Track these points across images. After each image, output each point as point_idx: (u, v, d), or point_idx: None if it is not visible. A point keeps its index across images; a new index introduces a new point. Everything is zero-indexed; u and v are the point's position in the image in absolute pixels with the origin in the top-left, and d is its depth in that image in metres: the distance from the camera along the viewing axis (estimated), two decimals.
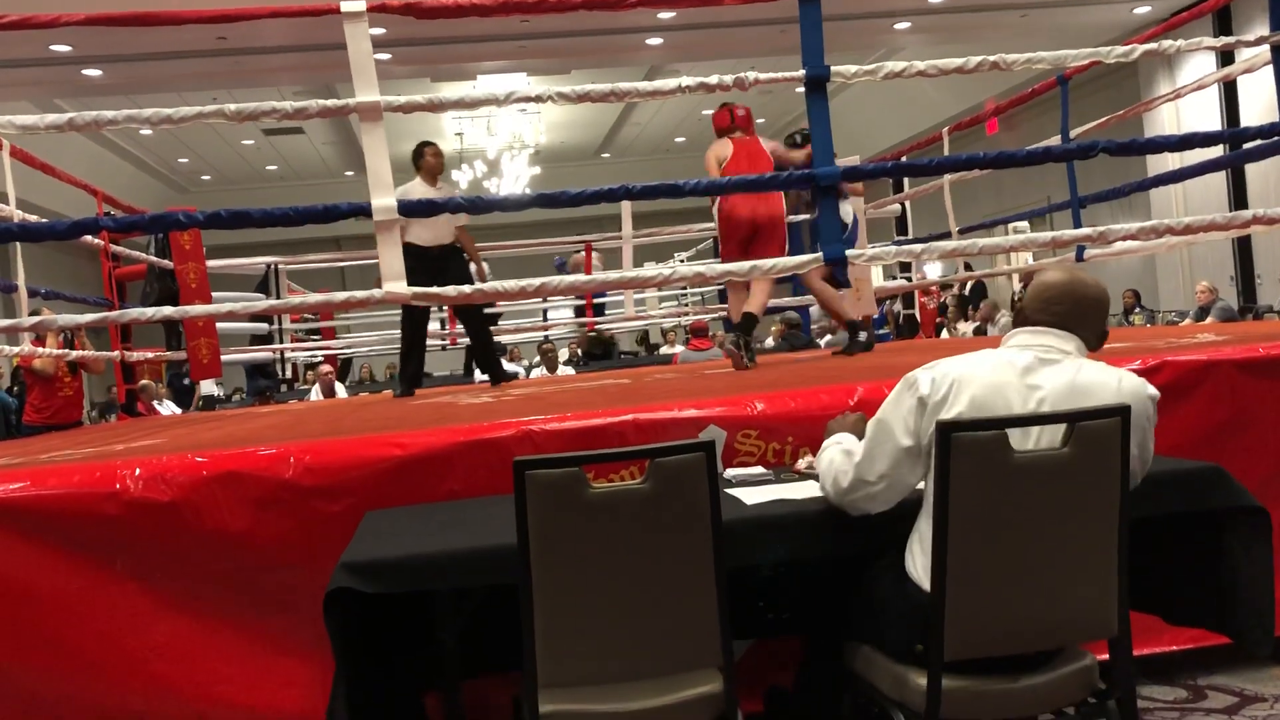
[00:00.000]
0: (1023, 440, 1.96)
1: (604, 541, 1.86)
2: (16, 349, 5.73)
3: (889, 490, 2.08)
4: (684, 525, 1.88)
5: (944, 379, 2.02)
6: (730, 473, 2.64)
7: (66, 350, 6.39)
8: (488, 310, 10.85)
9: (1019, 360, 2.06)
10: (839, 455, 2.17)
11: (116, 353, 6.69)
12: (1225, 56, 10.61)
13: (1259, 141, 4.58)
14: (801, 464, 2.68)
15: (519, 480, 1.82)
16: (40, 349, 6.01)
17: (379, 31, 9.90)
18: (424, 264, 5.49)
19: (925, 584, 1.96)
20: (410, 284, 5.20)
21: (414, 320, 5.93)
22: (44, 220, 4.62)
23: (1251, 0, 7.91)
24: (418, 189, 5.82)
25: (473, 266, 6.14)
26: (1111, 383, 2.05)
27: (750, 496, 2.32)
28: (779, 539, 2.17)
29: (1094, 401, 2.00)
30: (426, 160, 5.97)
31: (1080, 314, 2.13)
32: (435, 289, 3.85)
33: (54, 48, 10.37)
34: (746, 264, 4.07)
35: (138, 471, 2.60)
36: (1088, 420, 1.93)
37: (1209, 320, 9.83)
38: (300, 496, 2.63)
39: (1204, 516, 2.28)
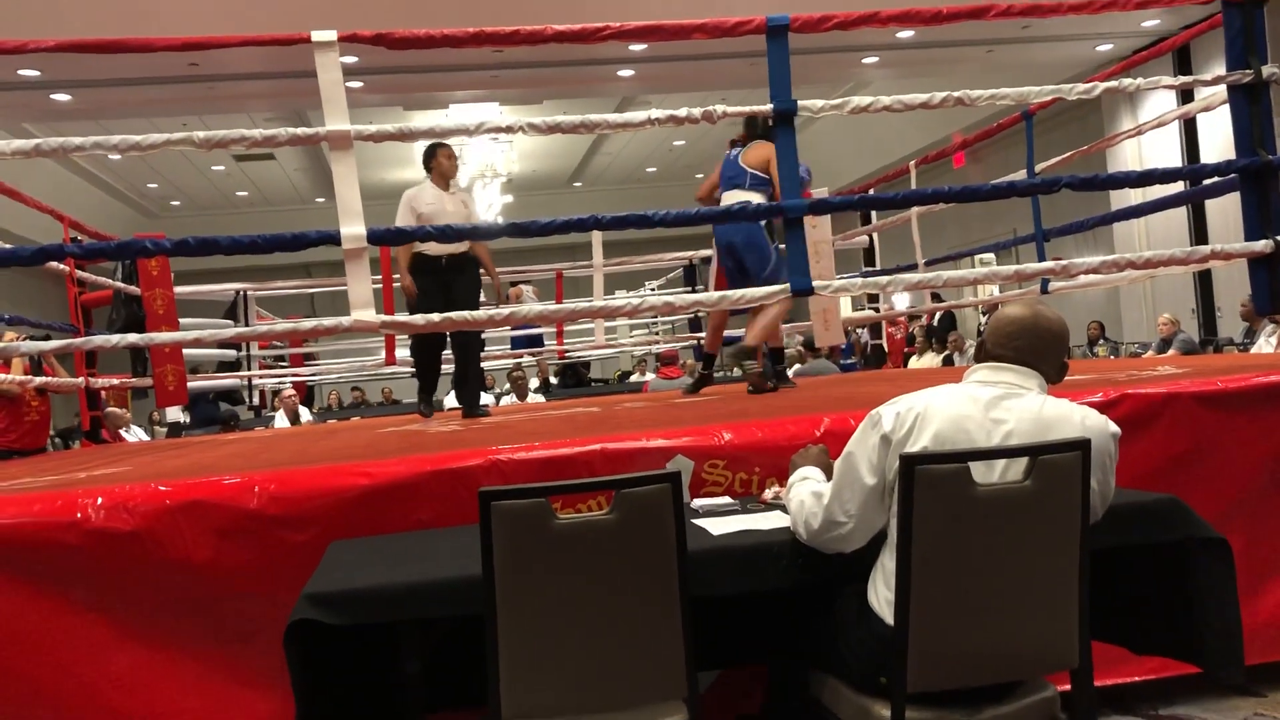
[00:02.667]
0: (986, 474, 1.98)
1: (570, 572, 1.86)
2: None
3: (859, 529, 2.09)
4: (650, 556, 1.88)
5: (908, 414, 2.04)
6: (697, 503, 2.65)
7: (32, 377, 6.31)
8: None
9: (982, 395, 2.09)
10: (809, 497, 2.17)
11: (81, 379, 6.62)
12: (1186, 94, 10.83)
13: (1217, 178, 4.67)
14: (768, 494, 2.69)
15: (484, 511, 1.82)
16: (4, 375, 5.94)
17: (350, 60, 9.93)
18: (434, 276, 5.36)
19: (887, 617, 1.98)
20: (420, 295, 5.28)
21: (424, 340, 5.69)
22: (9, 245, 4.57)
23: (1210, 40, 8.10)
24: (430, 191, 5.54)
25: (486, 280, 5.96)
26: (1075, 419, 2.08)
27: (716, 527, 2.33)
28: (745, 570, 2.18)
29: (1057, 436, 2.02)
30: (439, 162, 5.60)
31: (1041, 349, 2.16)
32: (403, 318, 3.85)
33: (22, 72, 10.31)
34: (715, 294, 4.10)
35: (99, 500, 2.58)
36: (1049, 454, 1.95)
37: (1171, 352, 9.96)
38: (265, 526, 2.61)
39: (1169, 547, 2.31)
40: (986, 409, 2.06)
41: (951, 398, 2.08)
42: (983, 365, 2.18)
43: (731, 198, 5.11)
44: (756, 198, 5.05)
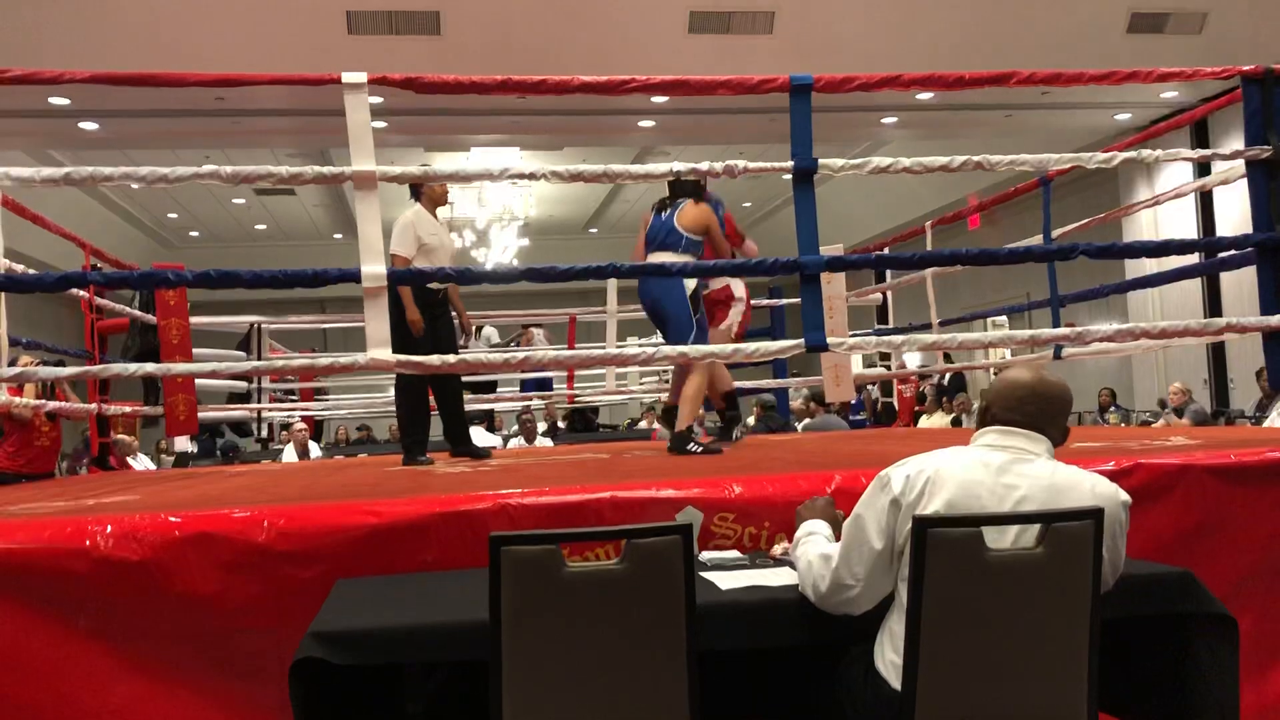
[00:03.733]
0: (999, 539, 1.98)
1: (577, 620, 1.86)
2: None
3: (867, 593, 2.08)
4: (658, 607, 1.88)
5: (918, 478, 2.04)
6: (705, 555, 2.64)
7: (45, 401, 6.33)
8: (485, 379, 10.82)
9: (993, 460, 2.09)
10: (816, 559, 2.15)
11: (94, 405, 6.64)
12: (1202, 167, 10.90)
13: (1233, 251, 4.69)
14: (777, 550, 2.68)
15: (494, 556, 1.82)
16: (17, 398, 5.96)
17: (376, 100, 10.08)
18: (426, 310, 5.13)
19: (894, 681, 1.96)
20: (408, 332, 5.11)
21: (413, 381, 5.40)
22: (30, 271, 4.63)
23: (1227, 115, 8.18)
24: (428, 219, 5.33)
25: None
26: (1086, 486, 2.08)
27: (725, 581, 2.32)
28: (752, 626, 2.16)
29: (1069, 503, 2.02)
30: (431, 187, 5.38)
31: (1050, 413, 2.17)
32: (419, 358, 3.87)
33: (52, 100, 10.47)
34: (730, 346, 4.11)
35: (109, 529, 2.58)
36: (1062, 521, 1.95)
37: (1183, 420, 9.93)
38: (272, 561, 2.60)
39: (1173, 620, 2.29)
40: (998, 474, 2.06)
41: (963, 461, 2.08)
42: (991, 429, 2.18)
43: (659, 259, 4.91)
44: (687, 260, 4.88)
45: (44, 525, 2.62)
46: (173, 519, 2.63)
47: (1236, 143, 4.26)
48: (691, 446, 4.86)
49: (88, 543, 2.55)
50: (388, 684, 2.27)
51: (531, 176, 3.76)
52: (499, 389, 11.51)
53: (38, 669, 2.49)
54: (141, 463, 9.88)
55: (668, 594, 1.88)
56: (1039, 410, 2.15)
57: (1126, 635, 2.33)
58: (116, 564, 2.54)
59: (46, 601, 2.52)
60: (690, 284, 4.97)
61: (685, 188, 5.09)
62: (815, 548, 2.20)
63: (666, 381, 13.52)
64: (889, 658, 2.01)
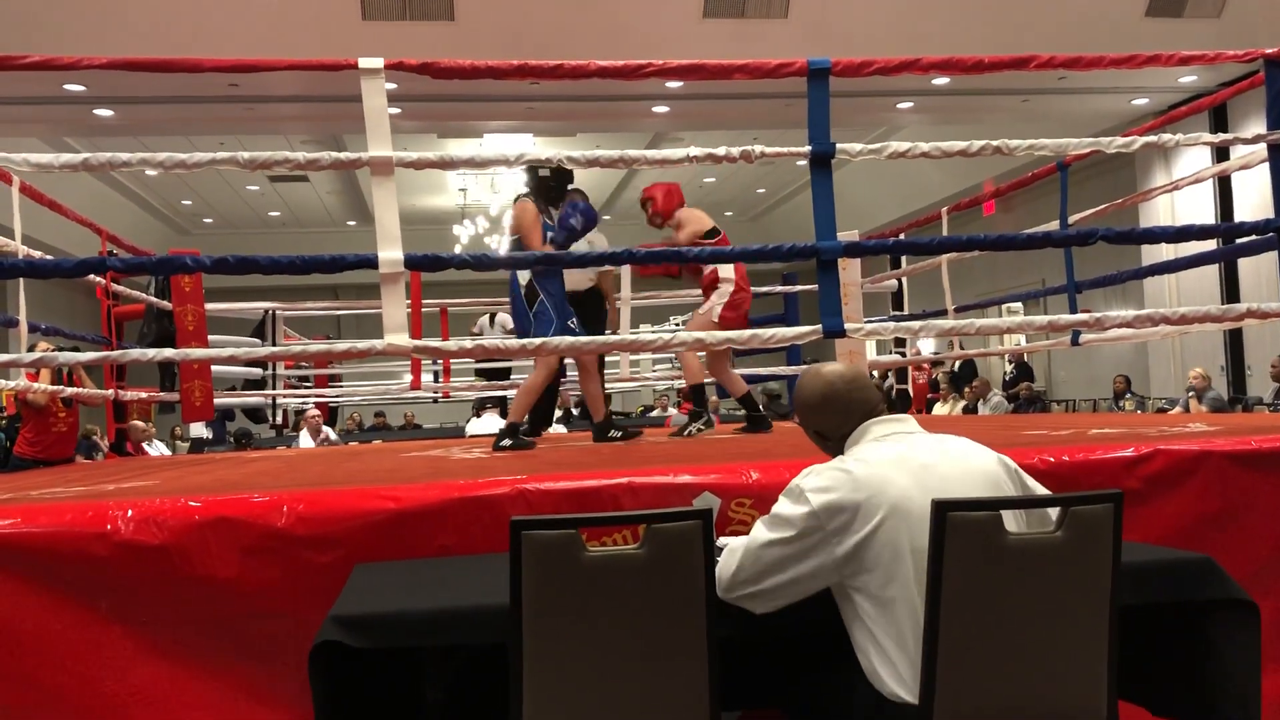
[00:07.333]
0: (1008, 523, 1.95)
1: (597, 605, 1.86)
2: (12, 384, 5.72)
3: (768, 598, 2.04)
4: (678, 592, 1.88)
5: (850, 505, 1.97)
6: (723, 540, 2.64)
7: (62, 387, 6.37)
8: (499, 365, 10.88)
9: (912, 451, 2.05)
10: (726, 551, 2.10)
11: (111, 391, 6.67)
12: (1220, 151, 10.82)
13: (1253, 236, 4.65)
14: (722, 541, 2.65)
15: (515, 540, 1.82)
16: (35, 384, 6.00)
17: (389, 87, 10.08)
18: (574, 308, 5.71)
19: (905, 695, 1.93)
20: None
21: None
22: (49, 257, 4.64)
23: (1246, 100, 8.11)
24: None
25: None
26: (984, 452, 2.10)
27: None
28: (771, 612, 2.16)
29: (982, 474, 2.04)
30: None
31: (876, 390, 2.19)
32: (435, 344, 3.87)
33: (68, 87, 10.50)
34: (747, 332, 4.11)
35: (129, 513, 2.59)
36: (1081, 505, 1.94)
37: (1201, 407, 9.88)
38: (291, 545, 2.61)
39: (1194, 607, 2.28)
40: (922, 463, 2.02)
41: (887, 462, 2.02)
42: (870, 424, 2.14)
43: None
44: None
45: (65, 509, 2.64)
46: (192, 503, 2.64)
47: (1256, 127, 4.22)
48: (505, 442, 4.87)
49: (108, 527, 2.56)
50: (407, 670, 2.28)
51: (546, 163, 3.75)
52: (513, 375, 11.51)
53: (60, 651, 2.50)
54: (157, 448, 9.94)
55: (687, 579, 1.88)
56: (871, 391, 2.16)
57: (1147, 622, 2.32)
58: (137, 548, 2.55)
59: (68, 585, 2.53)
60: (523, 278, 4.96)
61: (530, 181, 5.17)
62: (735, 539, 2.14)
63: (679, 367, 13.52)
64: (893, 677, 1.97)
